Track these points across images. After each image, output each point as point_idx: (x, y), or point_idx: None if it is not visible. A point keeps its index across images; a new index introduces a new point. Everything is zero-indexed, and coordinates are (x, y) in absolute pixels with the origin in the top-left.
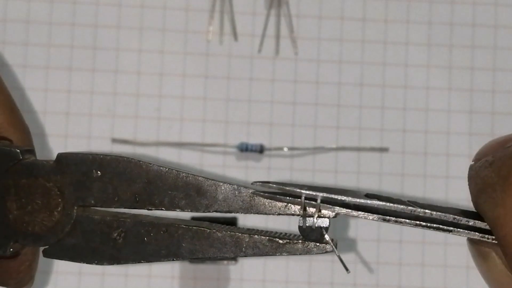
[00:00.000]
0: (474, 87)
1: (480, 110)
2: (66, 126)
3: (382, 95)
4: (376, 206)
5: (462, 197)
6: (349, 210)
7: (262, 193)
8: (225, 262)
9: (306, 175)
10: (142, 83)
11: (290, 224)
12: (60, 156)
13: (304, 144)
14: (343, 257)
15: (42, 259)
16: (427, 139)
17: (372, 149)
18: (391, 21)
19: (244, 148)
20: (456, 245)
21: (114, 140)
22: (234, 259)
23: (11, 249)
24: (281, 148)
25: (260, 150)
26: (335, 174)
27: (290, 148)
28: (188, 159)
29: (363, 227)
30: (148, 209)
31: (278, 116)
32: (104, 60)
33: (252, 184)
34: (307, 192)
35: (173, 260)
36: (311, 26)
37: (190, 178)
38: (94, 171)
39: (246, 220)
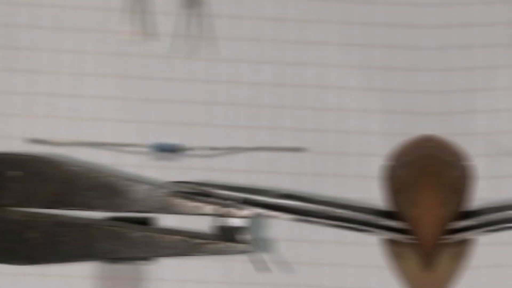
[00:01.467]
0: (390, 86)
1: (395, 110)
2: None
3: (299, 94)
4: (295, 206)
5: (378, 197)
6: (267, 210)
7: (179, 193)
8: (143, 261)
9: (223, 176)
10: (58, 82)
11: (209, 224)
12: None
13: (221, 144)
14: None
15: None
16: (344, 138)
17: (289, 149)
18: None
19: (160, 148)
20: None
21: (31, 140)
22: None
23: None
24: (197, 148)
25: (176, 150)
26: (252, 174)
27: (207, 148)
28: (104, 160)
29: (282, 226)
30: (64, 209)
31: (195, 116)
32: (21, 60)
33: (169, 183)
34: (225, 192)
35: (89, 260)
36: (229, 26)
37: (107, 178)
38: (10, 170)
39: (165, 220)
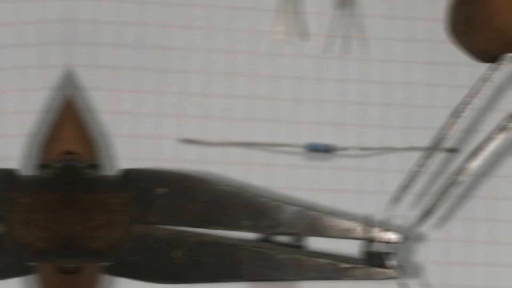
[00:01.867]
0: None
1: None
2: (134, 126)
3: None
4: None
5: None
6: None
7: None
8: (290, 284)
9: (374, 175)
10: (211, 83)
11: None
12: (124, 171)
13: (372, 144)
14: (410, 282)
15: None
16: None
17: (444, 150)
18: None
19: (313, 148)
20: None
21: (182, 140)
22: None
23: (73, 264)
24: (350, 148)
25: (328, 150)
26: (403, 175)
27: (360, 148)
28: (256, 159)
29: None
30: (211, 229)
31: (348, 116)
32: (173, 60)
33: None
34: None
35: (235, 281)
36: (381, 26)
37: (254, 198)
38: (158, 188)
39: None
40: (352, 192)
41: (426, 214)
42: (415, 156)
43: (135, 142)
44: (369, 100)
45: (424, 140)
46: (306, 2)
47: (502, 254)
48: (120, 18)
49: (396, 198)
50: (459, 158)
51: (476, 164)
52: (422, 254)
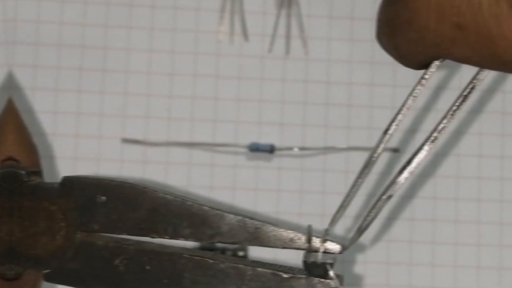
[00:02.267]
0: None
1: None
2: (77, 126)
3: (393, 94)
4: None
5: None
6: None
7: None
8: None
9: (317, 176)
10: (153, 83)
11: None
12: (66, 179)
13: (314, 144)
14: (350, 279)
15: (44, 283)
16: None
17: (385, 150)
18: None
19: (255, 148)
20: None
21: (125, 140)
22: None
23: (13, 271)
24: (291, 148)
25: (271, 150)
26: (346, 175)
27: (301, 148)
28: (198, 159)
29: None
30: (152, 237)
31: (289, 116)
32: (114, 61)
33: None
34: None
35: None
36: (321, 26)
37: (195, 207)
38: (98, 196)
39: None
40: (294, 192)
41: (363, 229)
42: (357, 155)
43: (77, 142)
44: (311, 100)
45: (366, 140)
46: (249, 2)
47: (443, 254)
48: (62, 18)
49: (335, 220)
50: (401, 158)
51: (413, 166)
52: (365, 254)
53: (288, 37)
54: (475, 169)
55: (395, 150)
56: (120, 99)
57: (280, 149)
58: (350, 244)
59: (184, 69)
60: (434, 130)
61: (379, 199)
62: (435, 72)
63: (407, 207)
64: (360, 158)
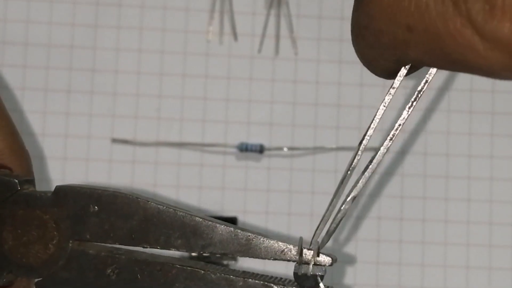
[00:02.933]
0: None
1: None
2: (66, 126)
3: (382, 95)
4: None
5: None
6: None
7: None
8: None
9: (306, 175)
10: (142, 83)
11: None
12: (58, 188)
13: (304, 144)
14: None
15: None
16: (427, 139)
17: (373, 149)
18: None
19: (244, 148)
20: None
21: (114, 140)
22: None
23: (5, 279)
24: (281, 148)
25: (260, 150)
26: (335, 174)
27: (290, 148)
28: (188, 159)
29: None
30: (143, 247)
31: (278, 116)
32: (104, 61)
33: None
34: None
35: None
36: (311, 26)
37: (187, 217)
38: (91, 205)
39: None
40: (284, 192)
41: (331, 232)
42: (346, 156)
43: (66, 142)
44: (301, 100)
45: (355, 140)
46: (238, 2)
47: (433, 254)
48: (51, 18)
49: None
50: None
51: (374, 165)
52: (355, 254)
53: (277, 37)
54: (465, 169)
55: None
56: (109, 99)
57: (269, 149)
58: (321, 247)
59: (173, 69)
60: (392, 128)
61: (344, 201)
62: (402, 80)
63: (396, 207)
64: (349, 158)
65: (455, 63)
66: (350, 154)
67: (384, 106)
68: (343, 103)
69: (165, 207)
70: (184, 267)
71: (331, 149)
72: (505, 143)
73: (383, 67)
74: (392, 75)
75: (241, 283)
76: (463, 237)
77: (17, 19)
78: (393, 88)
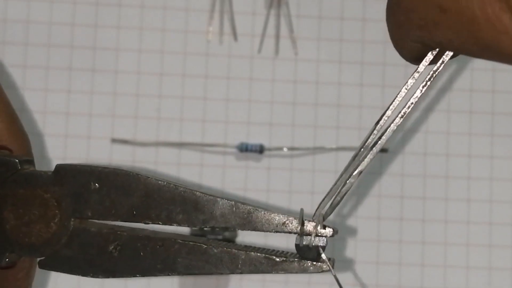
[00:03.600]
0: None
1: None
2: (66, 126)
3: (382, 95)
4: None
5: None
6: None
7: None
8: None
9: (306, 175)
10: (142, 83)
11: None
12: (59, 167)
13: (304, 144)
14: (340, 277)
15: (40, 270)
16: (427, 139)
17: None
18: None
19: (244, 148)
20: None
21: (114, 140)
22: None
23: (7, 259)
24: (281, 148)
25: (260, 150)
26: (335, 174)
27: (290, 148)
28: (188, 159)
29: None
30: (145, 223)
31: (278, 116)
32: (104, 60)
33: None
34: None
35: (168, 275)
36: (310, 26)
37: (188, 193)
38: (92, 183)
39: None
40: (284, 192)
41: (334, 205)
42: (346, 155)
43: (67, 141)
44: (301, 100)
45: (356, 140)
46: (238, 2)
47: (433, 254)
48: (51, 18)
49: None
50: (390, 158)
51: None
52: (355, 253)
53: (277, 37)
54: (465, 169)
55: (384, 150)
56: (109, 99)
57: (269, 149)
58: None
59: (173, 69)
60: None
61: (350, 175)
62: (427, 65)
63: (396, 207)
64: (349, 158)
65: (486, 48)
66: (350, 154)
67: (406, 89)
68: (343, 103)
69: (165, 183)
70: (186, 242)
71: (331, 149)
72: (505, 143)
73: (410, 48)
74: (419, 59)
75: (243, 257)
76: (463, 237)
77: (17, 19)
78: (418, 72)
